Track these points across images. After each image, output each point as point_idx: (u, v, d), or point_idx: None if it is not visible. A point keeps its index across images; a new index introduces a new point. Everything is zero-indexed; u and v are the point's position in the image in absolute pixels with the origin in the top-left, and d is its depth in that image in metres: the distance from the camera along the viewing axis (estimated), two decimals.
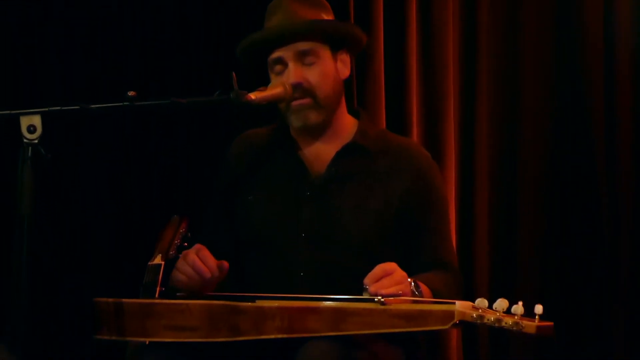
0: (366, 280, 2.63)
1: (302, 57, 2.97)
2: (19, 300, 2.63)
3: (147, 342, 2.75)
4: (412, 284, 2.66)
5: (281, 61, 2.97)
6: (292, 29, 2.99)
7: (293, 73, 2.95)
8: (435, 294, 2.72)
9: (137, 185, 3.84)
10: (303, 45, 2.97)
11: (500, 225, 4.03)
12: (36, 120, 2.64)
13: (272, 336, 2.59)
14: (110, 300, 2.74)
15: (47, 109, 2.67)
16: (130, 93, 2.77)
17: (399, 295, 2.60)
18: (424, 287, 2.71)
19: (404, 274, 2.67)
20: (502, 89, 4.07)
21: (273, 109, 3.04)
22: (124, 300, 2.74)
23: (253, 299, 2.67)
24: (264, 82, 3.00)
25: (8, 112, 2.66)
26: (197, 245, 2.84)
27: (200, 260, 2.78)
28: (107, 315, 2.74)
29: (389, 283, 2.61)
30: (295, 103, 2.96)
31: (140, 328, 2.72)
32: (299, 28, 2.99)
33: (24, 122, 2.64)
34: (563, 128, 4.06)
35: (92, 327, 2.78)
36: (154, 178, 3.85)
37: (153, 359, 2.71)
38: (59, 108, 2.72)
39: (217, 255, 2.87)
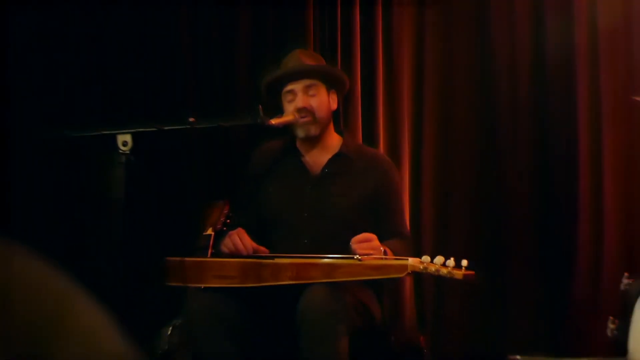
0: (353, 239, 2.71)
1: (307, 90, 3.01)
2: (114, 263, 2.67)
3: (202, 287, 2.83)
4: (383, 250, 2.71)
5: (293, 92, 3.00)
6: (303, 69, 3.04)
7: (301, 100, 2.98)
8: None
9: (192, 179, 3.80)
10: (308, 82, 3.01)
11: (440, 204, 3.95)
12: (128, 138, 2.67)
13: (286, 282, 2.68)
14: (177, 258, 2.83)
15: (135, 130, 2.69)
16: (191, 119, 2.81)
17: (371, 254, 2.66)
18: (389, 252, 2.75)
19: (379, 244, 2.73)
20: (441, 108, 3.92)
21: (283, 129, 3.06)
22: (186, 258, 2.83)
23: (272, 258, 2.76)
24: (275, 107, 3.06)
25: (109, 131, 2.69)
26: (239, 229, 2.88)
27: (240, 241, 2.82)
28: (174, 269, 2.82)
29: (367, 247, 2.69)
30: (301, 121, 2.99)
31: (197, 277, 2.81)
32: (307, 69, 3.04)
33: (120, 139, 2.66)
34: (484, 133, 3.97)
35: (165, 277, 2.84)
36: (204, 173, 3.81)
37: (204, 299, 2.77)
38: (142, 129, 2.72)
39: (249, 228, 2.91)
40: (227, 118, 3.09)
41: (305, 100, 2.99)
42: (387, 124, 3.92)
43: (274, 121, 2.89)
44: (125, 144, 2.66)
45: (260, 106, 2.85)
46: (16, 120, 3.54)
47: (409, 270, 2.54)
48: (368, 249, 2.68)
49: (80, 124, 3.34)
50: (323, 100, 3.04)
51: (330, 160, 3.07)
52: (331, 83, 3.10)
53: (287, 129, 3.08)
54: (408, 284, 3.83)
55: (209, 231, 3.01)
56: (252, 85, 3.71)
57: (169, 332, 3.08)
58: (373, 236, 2.73)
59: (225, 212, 3.16)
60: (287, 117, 2.97)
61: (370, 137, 3.85)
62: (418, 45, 4.01)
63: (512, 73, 3.98)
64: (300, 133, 3.03)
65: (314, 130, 3.02)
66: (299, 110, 2.98)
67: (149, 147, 3.48)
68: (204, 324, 2.71)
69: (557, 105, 3.97)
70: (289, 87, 3.01)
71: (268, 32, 3.82)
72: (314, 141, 3.07)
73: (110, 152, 2.69)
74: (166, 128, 2.79)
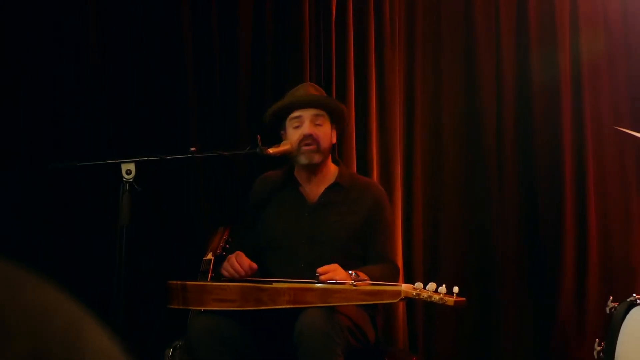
0: (319, 270, 2.70)
1: (315, 119, 3.00)
2: (118, 286, 2.65)
3: (202, 310, 2.82)
4: (354, 274, 2.67)
5: (300, 119, 3.00)
6: (315, 98, 3.06)
7: (308, 127, 2.98)
8: (372, 280, 2.73)
9: (195, 207, 3.75)
10: (317, 111, 3.02)
11: (430, 230, 3.96)
12: (131, 166, 2.68)
13: (283, 306, 2.66)
14: (179, 282, 2.81)
15: (138, 159, 2.70)
16: (192, 149, 2.83)
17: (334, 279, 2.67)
18: (363, 276, 2.73)
19: (343, 271, 2.70)
20: (431, 139, 3.98)
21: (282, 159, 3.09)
22: (188, 282, 2.82)
23: (270, 282, 2.74)
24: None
25: (113, 161, 2.71)
26: (237, 252, 2.88)
27: (237, 264, 2.82)
28: (176, 292, 2.80)
29: (333, 275, 2.68)
30: (305, 148, 2.97)
31: (198, 300, 2.79)
32: (319, 99, 3.08)
33: (124, 167, 2.67)
34: (471, 162, 4.01)
35: (166, 300, 2.83)
36: (205, 202, 3.76)
37: (206, 320, 2.76)
38: (146, 158, 2.74)
39: (248, 253, 2.90)
40: (227, 148, 3.10)
41: (312, 128, 2.99)
42: (380, 154, 3.94)
43: (271, 150, 2.90)
44: (129, 172, 2.67)
45: (259, 136, 2.87)
46: (28, 150, 3.57)
47: (402, 296, 2.54)
48: (334, 278, 2.67)
49: (88, 153, 3.38)
50: (327, 132, 3.04)
51: (326, 190, 3.07)
52: (335, 118, 3.11)
53: (287, 159, 3.09)
54: (401, 306, 3.82)
55: (209, 256, 3.03)
56: (252, 117, 3.76)
57: (171, 354, 3.08)
58: (336, 265, 2.72)
59: (225, 237, 3.19)
60: (285, 147, 2.97)
61: (364, 167, 3.87)
62: (409, 79, 4.03)
63: (498, 103, 4.04)
64: (303, 160, 3.01)
65: (316, 158, 3.01)
66: (305, 137, 2.97)
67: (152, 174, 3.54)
68: (206, 343, 2.70)
69: (542, 134, 4.02)
70: (297, 113, 3.01)
71: (267, 67, 3.85)
72: (312, 171, 3.06)
73: (116, 180, 2.70)
74: (168, 157, 2.81)
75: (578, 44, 4.01)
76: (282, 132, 3.09)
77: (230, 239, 3.17)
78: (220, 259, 2.96)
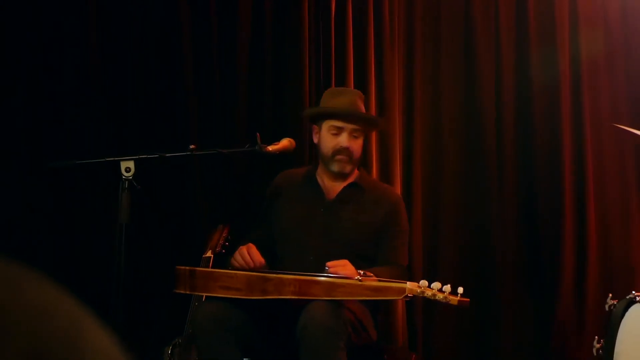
0: (328, 264, 2.74)
1: (353, 132, 3.07)
2: (118, 285, 2.66)
3: (203, 298, 2.89)
4: (362, 273, 2.70)
5: (340, 129, 3.06)
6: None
7: (346, 140, 3.05)
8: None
9: (194, 206, 3.75)
10: (357, 127, 3.08)
11: (430, 231, 3.95)
12: (130, 164, 2.67)
13: (288, 297, 2.68)
14: (187, 267, 2.83)
15: (137, 157, 2.70)
16: (192, 146, 2.84)
17: (340, 273, 2.71)
18: (369, 274, 2.74)
19: (352, 266, 2.75)
20: (430, 140, 3.98)
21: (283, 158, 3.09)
22: (195, 268, 2.85)
23: (277, 273, 2.76)
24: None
25: (112, 158, 2.71)
26: (249, 244, 2.92)
27: (248, 255, 2.86)
28: (183, 277, 2.82)
29: (341, 269, 2.73)
30: (339, 157, 3.06)
31: (205, 286, 2.82)
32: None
33: (123, 165, 2.67)
34: (471, 163, 4.00)
35: (173, 285, 2.85)
36: (204, 200, 3.76)
37: (213, 306, 2.79)
38: (145, 156, 2.74)
39: (262, 244, 2.96)
40: (227, 145, 3.10)
41: (350, 141, 3.07)
42: (380, 154, 3.94)
43: (270, 148, 2.94)
44: (128, 170, 2.67)
45: (258, 134, 2.90)
46: (28, 150, 3.58)
47: (407, 293, 2.56)
48: (343, 272, 2.70)
49: (88, 154, 3.38)
50: (361, 145, 3.14)
51: (344, 188, 3.13)
52: (369, 132, 3.26)
53: (287, 158, 3.13)
54: (400, 303, 3.83)
55: (209, 253, 3.06)
56: (252, 117, 3.79)
57: (170, 352, 3.09)
58: (346, 261, 2.77)
59: (225, 235, 3.20)
60: (283, 144, 3.01)
61: (364, 167, 3.73)
62: (408, 79, 4.03)
63: (498, 103, 4.03)
64: (335, 168, 3.09)
65: (348, 169, 3.10)
66: (343, 149, 3.06)
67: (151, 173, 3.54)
68: (211, 331, 2.73)
69: (542, 134, 4.01)
70: (340, 124, 3.07)
71: (267, 67, 3.86)
72: (344, 175, 3.12)
73: (115, 179, 2.69)
74: (168, 155, 2.81)
75: (577, 44, 4.01)
76: (314, 125, 3.18)
77: (229, 237, 3.19)
78: (219, 257, 2.99)
